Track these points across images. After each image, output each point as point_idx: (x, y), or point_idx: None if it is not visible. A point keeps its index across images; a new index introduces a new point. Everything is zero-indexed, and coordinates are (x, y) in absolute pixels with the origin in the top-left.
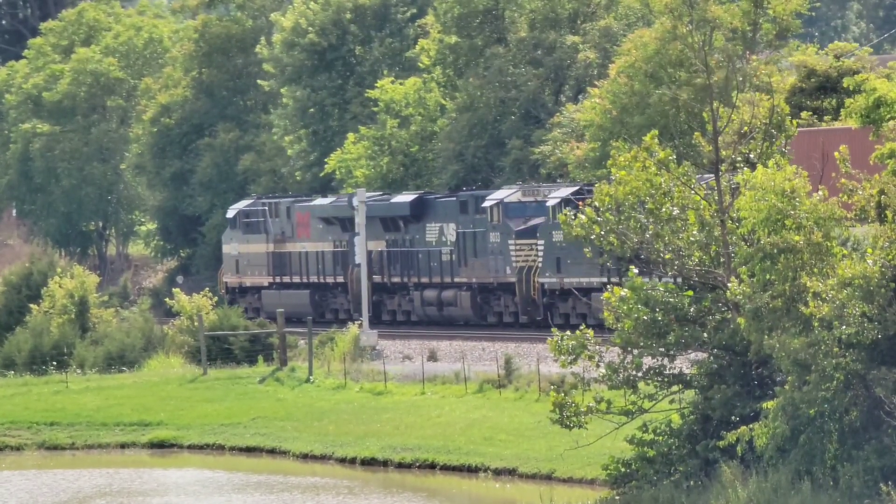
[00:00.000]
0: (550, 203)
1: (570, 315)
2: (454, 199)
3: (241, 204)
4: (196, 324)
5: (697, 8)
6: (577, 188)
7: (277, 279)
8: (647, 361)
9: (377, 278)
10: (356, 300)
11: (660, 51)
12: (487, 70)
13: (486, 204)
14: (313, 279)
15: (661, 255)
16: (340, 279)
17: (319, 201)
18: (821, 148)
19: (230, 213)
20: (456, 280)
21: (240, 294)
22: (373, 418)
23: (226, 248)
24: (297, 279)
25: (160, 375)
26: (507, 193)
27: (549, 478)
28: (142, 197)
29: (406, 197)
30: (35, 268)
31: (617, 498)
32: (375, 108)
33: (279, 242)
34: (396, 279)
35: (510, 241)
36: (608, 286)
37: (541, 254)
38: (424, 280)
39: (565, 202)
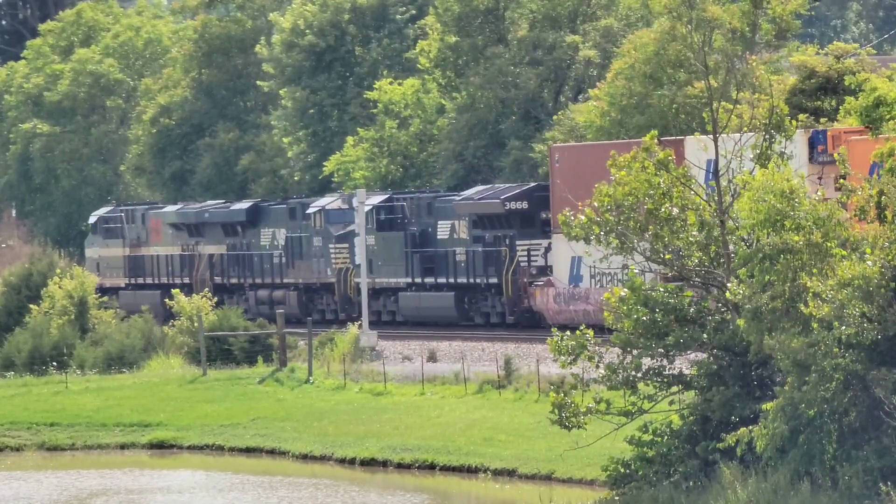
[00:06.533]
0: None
1: (381, 312)
2: (284, 206)
3: (102, 211)
4: (196, 325)
5: (696, 8)
6: (386, 196)
7: (133, 280)
8: (647, 362)
9: (218, 279)
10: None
11: (659, 51)
12: (488, 70)
13: (310, 211)
14: (164, 280)
15: (661, 255)
16: (187, 280)
17: (169, 208)
18: (585, 161)
19: (91, 220)
20: (285, 281)
21: (100, 294)
22: (372, 419)
23: (88, 252)
24: (150, 280)
25: (160, 376)
26: (328, 201)
27: (548, 478)
28: (142, 197)
29: (243, 204)
30: (35, 268)
31: (616, 498)
32: (374, 111)
33: (135, 246)
34: (235, 280)
35: (330, 245)
36: (412, 286)
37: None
38: (258, 281)
39: (376, 209)
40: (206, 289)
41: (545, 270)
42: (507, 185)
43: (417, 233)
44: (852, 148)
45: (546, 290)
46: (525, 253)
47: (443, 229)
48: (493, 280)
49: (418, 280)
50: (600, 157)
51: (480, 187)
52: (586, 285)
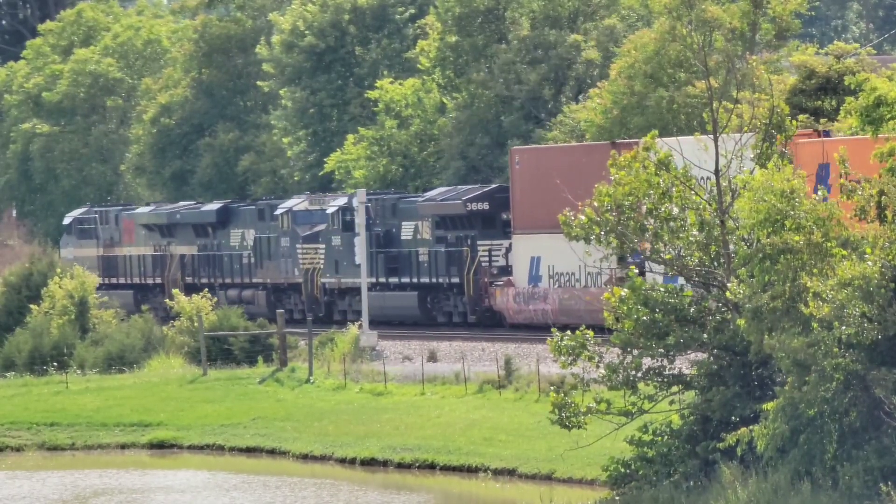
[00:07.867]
0: (330, 211)
1: (346, 311)
2: (253, 207)
3: (76, 212)
4: (196, 324)
5: (696, 8)
6: (349, 198)
7: (107, 280)
8: (647, 362)
9: (189, 279)
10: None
11: (659, 51)
12: (490, 68)
13: (278, 212)
14: (136, 280)
15: (661, 255)
16: (159, 280)
17: (142, 209)
18: (545, 163)
19: (66, 221)
20: (254, 280)
21: None
22: (373, 419)
23: (63, 253)
24: (123, 280)
25: (160, 376)
26: (296, 202)
27: (548, 478)
28: (142, 197)
29: (214, 205)
30: (35, 268)
31: (617, 498)
32: (375, 109)
33: (108, 247)
34: (205, 280)
35: (298, 246)
36: (377, 286)
37: (322, 257)
38: (228, 280)
39: (342, 210)
40: (206, 289)
41: (506, 270)
42: (469, 187)
43: (382, 233)
44: (799, 151)
45: (506, 289)
46: (486, 253)
47: (406, 230)
48: (455, 280)
49: (382, 280)
50: (559, 159)
51: (443, 188)
52: (545, 285)
